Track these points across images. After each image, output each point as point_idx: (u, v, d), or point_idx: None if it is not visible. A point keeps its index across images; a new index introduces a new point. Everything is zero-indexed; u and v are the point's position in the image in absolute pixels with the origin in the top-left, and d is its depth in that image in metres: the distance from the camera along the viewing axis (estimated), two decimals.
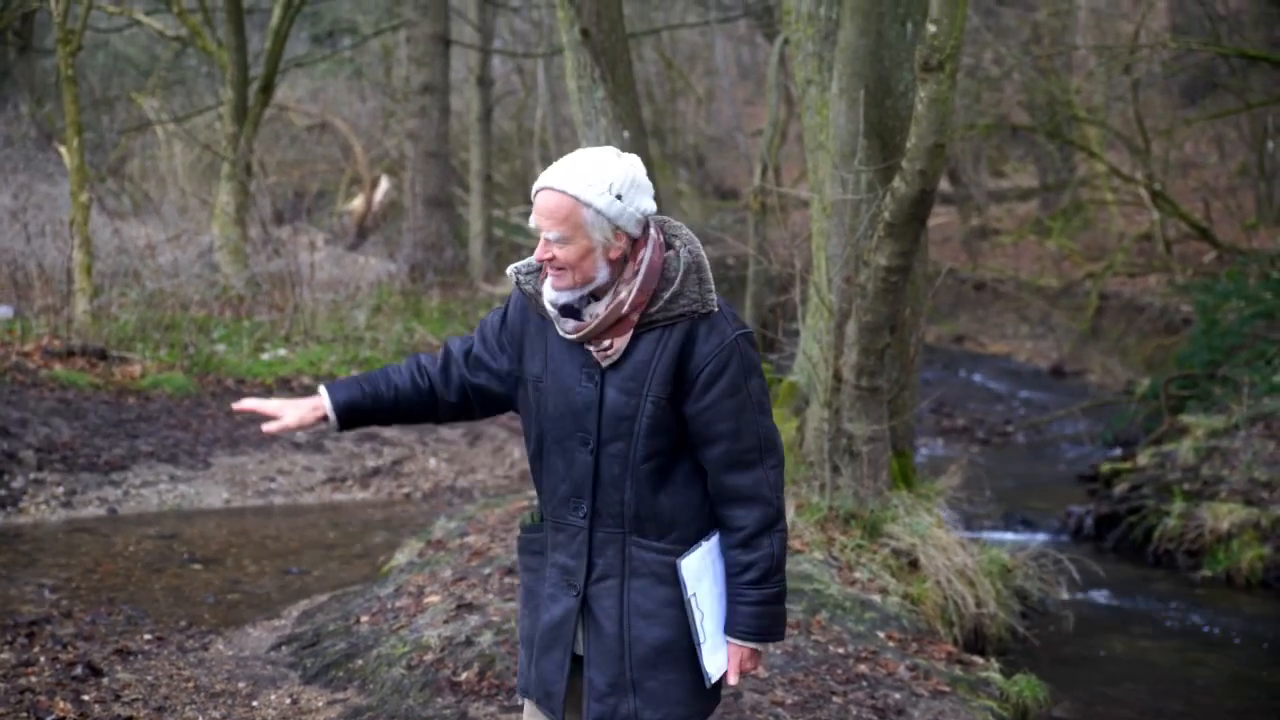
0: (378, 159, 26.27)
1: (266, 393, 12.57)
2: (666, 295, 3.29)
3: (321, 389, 3.57)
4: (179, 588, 7.60)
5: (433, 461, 11.50)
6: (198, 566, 8.08)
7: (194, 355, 13.05)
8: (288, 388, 12.80)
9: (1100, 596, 8.78)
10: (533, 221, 3.28)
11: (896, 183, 6.94)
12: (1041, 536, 10.20)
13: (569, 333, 3.31)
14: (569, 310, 3.33)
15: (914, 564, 7.38)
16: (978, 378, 19.03)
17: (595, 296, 3.32)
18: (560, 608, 3.39)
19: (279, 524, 9.41)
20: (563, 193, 3.23)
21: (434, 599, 6.75)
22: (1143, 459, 11.47)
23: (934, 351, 19.35)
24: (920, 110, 6.68)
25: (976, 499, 8.87)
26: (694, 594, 3.38)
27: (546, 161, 26.48)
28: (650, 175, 3.40)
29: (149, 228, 17.13)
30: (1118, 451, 13.08)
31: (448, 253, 20.67)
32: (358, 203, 24.42)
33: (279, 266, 15.73)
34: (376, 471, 11.01)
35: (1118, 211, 22.45)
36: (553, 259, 3.26)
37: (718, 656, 3.43)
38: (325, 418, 3.56)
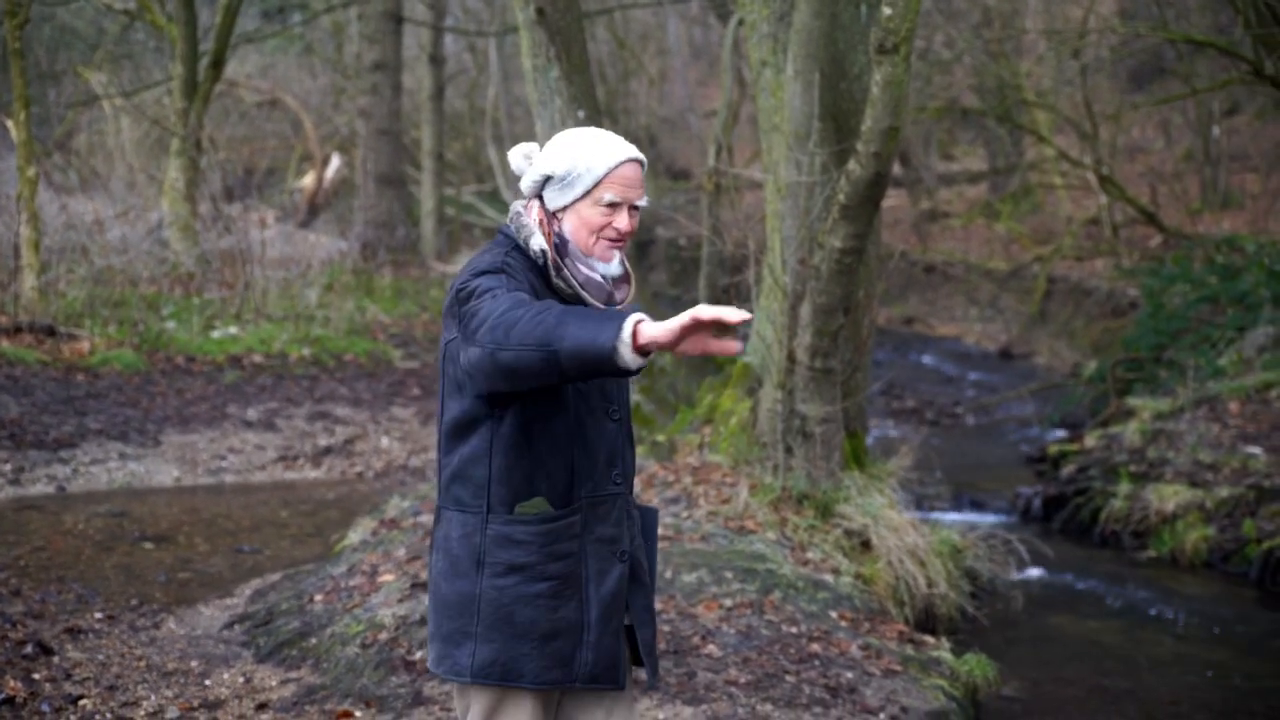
0: (329, 136, 26.11)
1: (217, 370, 12.50)
2: None
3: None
4: (130, 566, 7.56)
5: (385, 440, 11.47)
6: (149, 545, 8.04)
7: (143, 332, 12.95)
8: (238, 365, 12.72)
9: (1048, 577, 8.88)
10: (619, 194, 3.29)
11: (851, 165, 6.98)
12: (991, 517, 10.30)
13: (617, 303, 3.35)
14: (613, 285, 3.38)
15: (866, 544, 7.44)
16: (927, 360, 19.16)
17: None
18: (613, 579, 3.39)
19: (230, 502, 9.36)
20: (642, 164, 3.35)
21: (388, 578, 6.75)
22: (1090, 441, 11.60)
23: (884, 333, 19.45)
24: (875, 93, 6.72)
25: (927, 480, 8.96)
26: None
27: (499, 140, 26.41)
28: None
29: (97, 203, 16.95)
30: (1065, 433, 13.22)
31: (399, 231, 20.59)
32: (309, 180, 24.27)
33: (229, 244, 15.63)
34: (329, 450, 10.97)
35: (1066, 195, 22.64)
36: (632, 229, 3.35)
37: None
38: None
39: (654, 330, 2.85)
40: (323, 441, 11.13)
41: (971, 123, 26.06)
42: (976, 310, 21.59)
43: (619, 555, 3.40)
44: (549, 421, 3.31)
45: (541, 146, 3.45)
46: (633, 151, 3.33)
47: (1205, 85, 16.88)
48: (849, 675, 5.86)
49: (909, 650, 6.40)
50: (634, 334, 2.86)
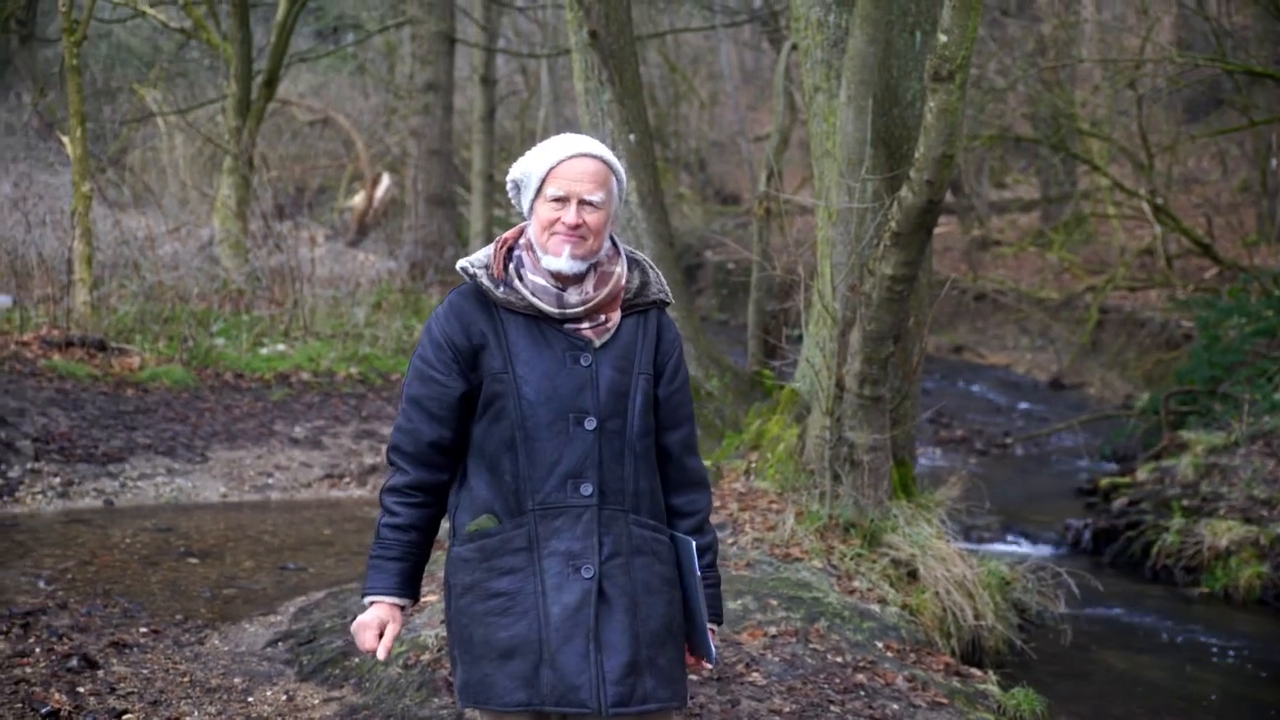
0: (380, 156, 26.27)
1: (265, 387, 12.55)
2: (638, 281, 3.51)
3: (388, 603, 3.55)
4: (175, 581, 7.57)
5: None
6: (194, 560, 8.06)
7: (193, 348, 13.03)
8: (286, 383, 12.77)
9: (1098, 611, 8.76)
10: (563, 188, 3.37)
11: (904, 192, 6.92)
12: (1040, 549, 10.19)
13: (573, 305, 3.38)
14: (563, 284, 3.41)
15: (913, 574, 7.36)
16: (977, 388, 19.01)
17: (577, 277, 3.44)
18: (573, 594, 3.32)
19: (276, 519, 9.38)
20: (600, 159, 3.40)
21: (431, 599, 6.72)
22: (1142, 474, 11.46)
23: (933, 361, 19.34)
24: (929, 120, 6.67)
25: (975, 510, 8.86)
26: (698, 575, 3.51)
27: None
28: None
29: (149, 219, 17.11)
30: (1116, 466, 13.07)
31: (449, 251, 20.65)
32: (359, 199, 24.40)
33: (279, 261, 15.72)
34: (374, 469, 10.98)
35: (1119, 225, 22.45)
36: (582, 224, 3.37)
37: (709, 638, 3.56)
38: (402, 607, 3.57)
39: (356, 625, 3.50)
40: (368, 460, 11.14)
41: (1025, 151, 25.90)
42: (1027, 339, 21.42)
43: (581, 571, 3.33)
44: (492, 433, 3.41)
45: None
46: (580, 146, 3.40)
47: (1263, 117, 16.72)
48: (894, 707, 5.79)
49: (955, 683, 6.31)
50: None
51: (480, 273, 3.42)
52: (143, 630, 6.55)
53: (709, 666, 3.68)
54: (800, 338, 8.65)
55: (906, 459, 8.30)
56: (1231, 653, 8.14)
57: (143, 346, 12.72)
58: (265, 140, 22.09)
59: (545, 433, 3.35)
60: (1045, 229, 23.63)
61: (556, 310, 3.38)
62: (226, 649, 6.46)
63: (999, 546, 10.06)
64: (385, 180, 24.41)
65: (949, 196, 23.38)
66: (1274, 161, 20.66)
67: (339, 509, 9.92)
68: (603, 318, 3.42)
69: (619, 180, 3.46)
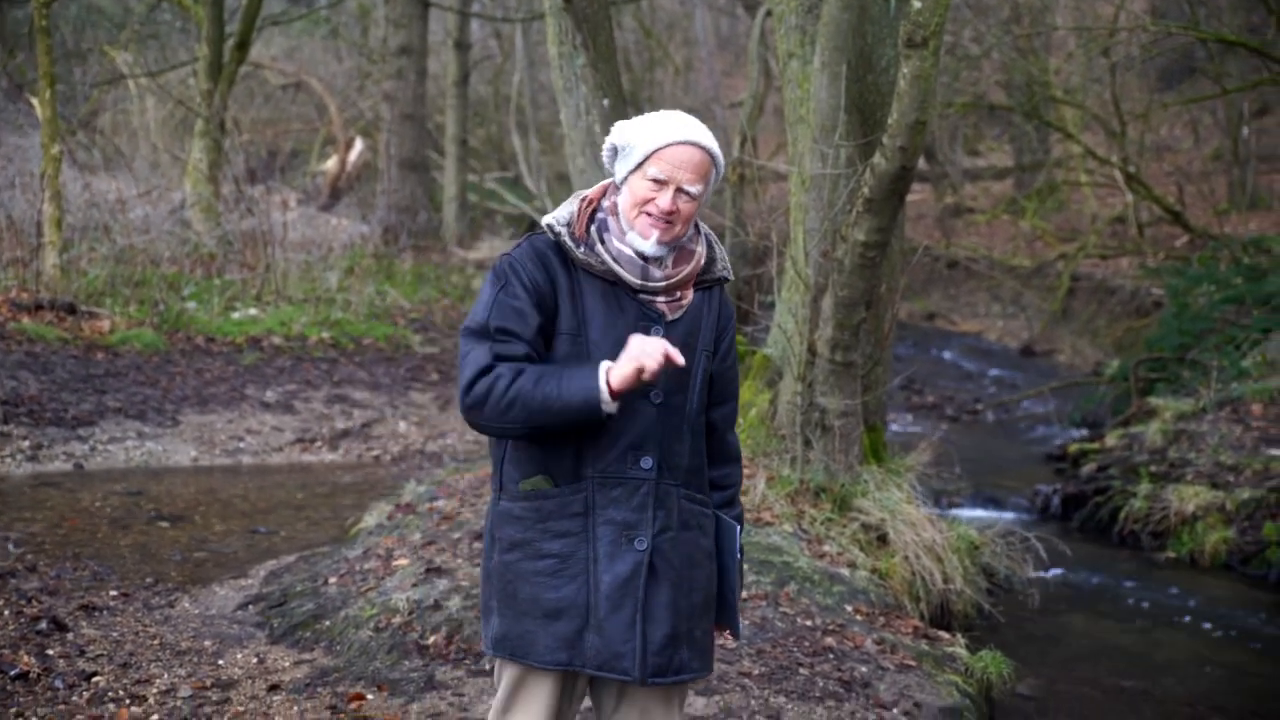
0: (353, 120, 26.12)
1: (236, 351, 12.51)
2: (706, 257, 3.49)
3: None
4: (145, 545, 7.56)
5: (402, 425, 11.47)
6: (164, 524, 8.04)
7: (164, 312, 12.97)
8: (257, 347, 12.73)
9: (1066, 575, 8.83)
10: (664, 172, 3.32)
11: (877, 158, 6.93)
12: (1009, 514, 10.25)
13: (655, 279, 3.37)
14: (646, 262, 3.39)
15: (883, 539, 7.40)
16: (948, 355, 19.09)
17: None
18: (626, 564, 3.33)
19: (247, 483, 9.37)
20: (707, 150, 3.37)
21: (402, 562, 6.74)
22: (1111, 440, 11.54)
23: (905, 328, 19.39)
24: (903, 86, 6.66)
25: (946, 476, 8.91)
26: (739, 557, 3.58)
27: (523, 128, 26.38)
28: None
29: (120, 182, 16.97)
30: (1085, 432, 13.15)
31: (421, 216, 20.59)
32: (332, 163, 24.27)
33: (251, 225, 15.64)
34: (346, 433, 10.97)
35: (1092, 193, 22.52)
36: (675, 211, 3.34)
37: (739, 614, 3.64)
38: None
39: (619, 379, 3.18)
40: (340, 425, 11.13)
41: (998, 118, 25.93)
42: (999, 307, 21.50)
43: (635, 543, 3.34)
44: None
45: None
46: (690, 134, 3.34)
47: (1236, 85, 16.78)
48: (863, 669, 5.83)
49: (924, 646, 6.36)
50: (608, 384, 3.19)
51: (564, 231, 3.38)
52: (112, 593, 6.54)
53: (735, 640, 3.70)
54: (773, 303, 8.66)
55: (878, 424, 8.33)
56: (1196, 617, 8.22)
57: (113, 310, 12.66)
58: (237, 103, 21.94)
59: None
60: (1018, 196, 23.69)
61: (638, 282, 3.36)
62: (197, 612, 6.46)
63: (968, 512, 10.12)
64: (358, 144, 24.28)
65: (922, 164, 23.43)
66: (1245, 130, 20.74)
67: (310, 473, 9.91)
68: (679, 294, 3.42)
69: (718, 172, 3.43)
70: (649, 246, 3.34)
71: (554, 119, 24.14)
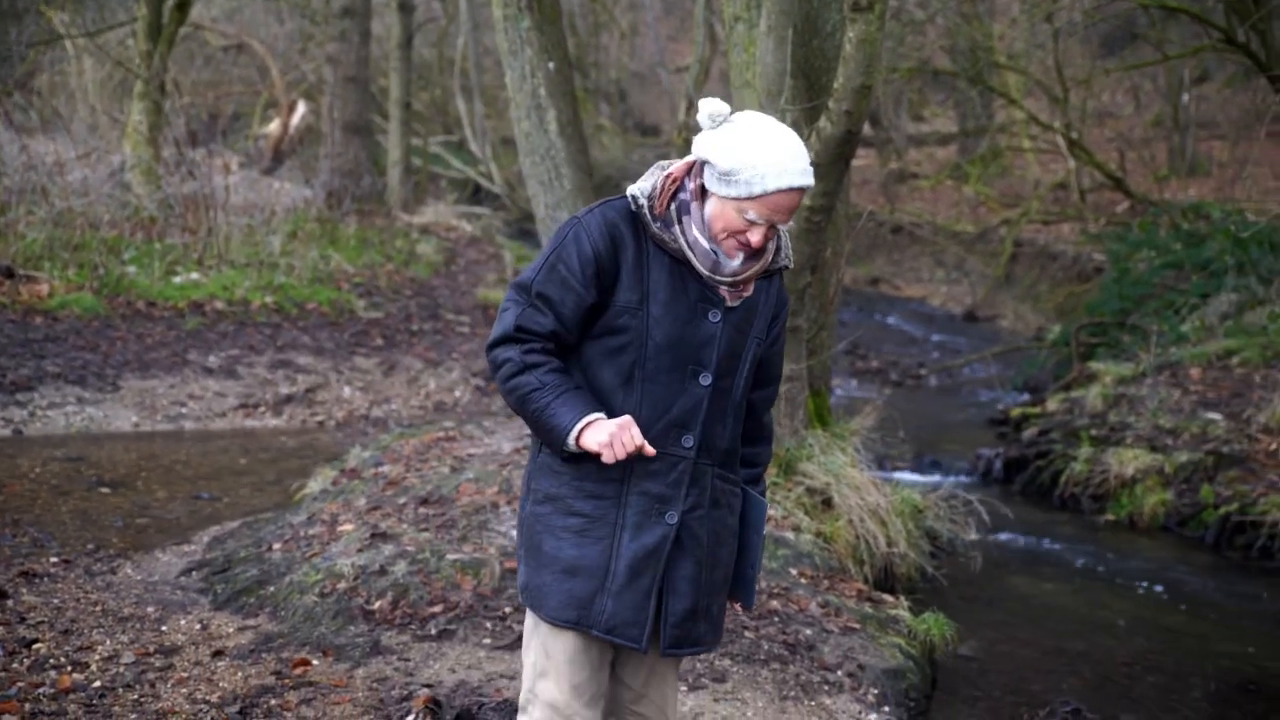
0: (295, 83, 25.85)
1: (178, 316, 12.39)
2: (775, 249, 3.46)
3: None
4: (86, 511, 7.49)
5: (347, 390, 11.41)
6: (105, 490, 7.97)
7: (104, 276, 12.81)
8: (199, 312, 12.62)
9: (1007, 538, 8.92)
10: (763, 216, 3.25)
11: (822, 122, 6.93)
12: (952, 478, 10.34)
13: (725, 274, 3.33)
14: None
15: (827, 502, 7.44)
16: (892, 320, 19.19)
17: None
18: (653, 536, 3.37)
19: (189, 449, 9.30)
20: (803, 190, 3.26)
21: (348, 527, 6.72)
22: (1052, 404, 11.65)
23: (850, 293, 19.48)
24: (848, 50, 6.67)
25: (890, 440, 8.97)
26: (763, 534, 3.63)
27: (467, 91, 26.19)
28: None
29: (58, 145, 16.71)
30: (1027, 396, 13.27)
31: (365, 180, 20.43)
32: (274, 126, 24.03)
33: (192, 189, 15.45)
34: (290, 399, 10.90)
35: (1034, 159, 22.66)
36: (765, 241, 3.32)
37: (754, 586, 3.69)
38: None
39: (590, 442, 3.25)
40: (284, 390, 11.06)
41: (942, 84, 26.00)
42: (943, 272, 21.62)
43: (665, 517, 3.38)
44: (609, 363, 3.36)
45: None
46: (800, 179, 3.23)
47: (1176, 52, 16.89)
48: (807, 632, 5.88)
49: (867, 608, 6.42)
50: (579, 435, 3.26)
51: (645, 203, 3.34)
52: (53, 560, 6.48)
53: (746, 612, 3.75)
54: None
55: (822, 389, 8.37)
56: (1135, 578, 8.33)
57: (51, 274, 12.49)
58: (177, 65, 21.66)
59: (663, 378, 3.34)
60: (962, 162, 23.80)
61: (708, 273, 3.34)
62: (139, 578, 6.41)
63: (912, 475, 10.19)
64: (301, 107, 24.04)
65: (867, 129, 23.47)
66: (1186, 96, 20.93)
67: (254, 439, 9.85)
68: (743, 286, 3.41)
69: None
70: (735, 264, 3.33)
71: (499, 82, 24.00)
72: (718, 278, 3.33)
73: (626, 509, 3.37)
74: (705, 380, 3.37)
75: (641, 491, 3.36)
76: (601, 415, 3.28)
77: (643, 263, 3.34)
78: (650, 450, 3.27)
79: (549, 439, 3.33)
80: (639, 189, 3.36)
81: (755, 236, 3.28)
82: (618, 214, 3.36)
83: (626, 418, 3.26)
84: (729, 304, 3.38)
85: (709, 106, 3.31)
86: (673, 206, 3.34)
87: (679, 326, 3.32)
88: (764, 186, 3.21)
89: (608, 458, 3.23)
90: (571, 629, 3.40)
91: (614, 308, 3.33)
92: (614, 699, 3.60)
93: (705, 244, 3.31)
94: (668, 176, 3.37)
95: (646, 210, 3.33)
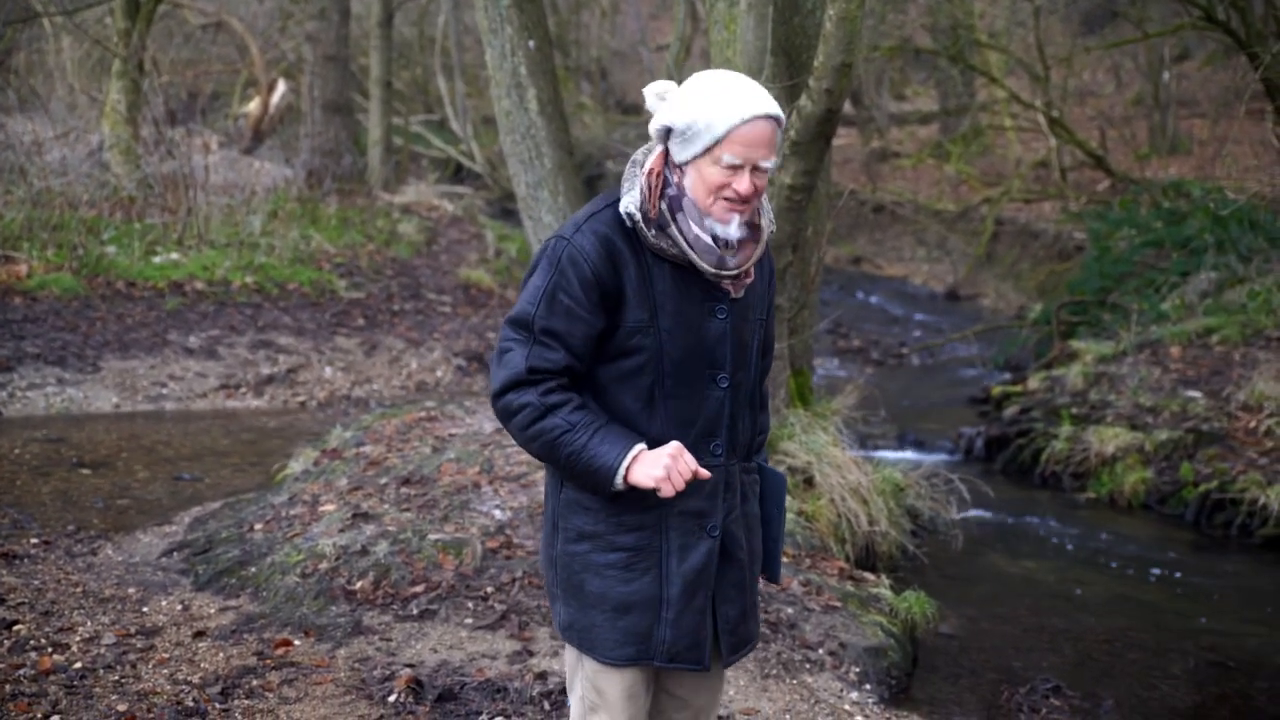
0: (275, 61, 25.71)
1: (158, 296, 12.34)
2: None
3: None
4: (67, 492, 7.47)
5: (328, 371, 11.38)
6: (86, 471, 7.94)
7: (83, 256, 12.75)
8: (180, 292, 12.57)
9: (989, 516, 8.95)
10: (740, 155, 3.09)
11: (803, 101, 6.92)
12: (933, 457, 10.36)
13: (730, 268, 3.18)
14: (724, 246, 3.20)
15: (809, 481, 7.45)
16: (874, 299, 19.21)
17: None
18: (700, 554, 3.23)
19: (170, 430, 9.27)
20: (777, 120, 3.12)
21: (329, 508, 6.71)
22: (1033, 383, 11.68)
23: (832, 272, 19.48)
24: (829, 28, 6.65)
25: (871, 419, 8.97)
26: (784, 508, 3.49)
27: (448, 70, 26.11)
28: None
29: (36, 124, 16.63)
30: (1009, 375, 13.30)
31: (346, 159, 20.35)
32: (254, 106, 23.89)
33: (172, 168, 15.37)
34: (271, 379, 10.87)
35: (1016, 137, 22.67)
36: (754, 191, 3.13)
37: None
38: None
39: (642, 478, 3.07)
40: (265, 370, 11.03)
41: (924, 62, 26.01)
42: (924, 251, 21.64)
43: (708, 530, 3.24)
44: (626, 385, 3.21)
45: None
46: (761, 108, 3.08)
47: (1157, 30, 16.90)
48: (789, 611, 5.89)
49: (849, 587, 6.43)
50: (626, 471, 3.09)
51: (639, 217, 3.14)
52: (33, 541, 6.46)
53: (774, 584, 3.65)
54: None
55: (804, 368, 8.37)
56: (1115, 556, 8.37)
57: (30, 254, 12.43)
58: (156, 44, 21.49)
59: (684, 390, 3.20)
60: (943, 141, 23.81)
61: (713, 271, 3.17)
62: (120, 559, 6.40)
63: (894, 454, 10.21)
64: (281, 86, 23.91)
65: (848, 107, 23.46)
66: (1166, 75, 20.95)
67: (235, 419, 9.82)
68: (745, 275, 3.27)
69: (781, 131, 3.17)
70: (734, 231, 3.16)
71: (479, 61, 23.93)
72: (722, 274, 3.18)
73: (669, 533, 3.22)
74: (724, 382, 3.23)
75: (681, 512, 3.22)
76: (644, 446, 3.11)
77: (646, 276, 3.16)
78: (705, 474, 3.11)
79: (592, 482, 3.12)
80: (630, 204, 3.15)
81: (741, 184, 3.10)
82: (609, 227, 3.16)
83: (675, 445, 3.09)
84: (734, 295, 3.24)
85: (654, 88, 3.19)
86: (663, 205, 3.17)
87: (691, 334, 3.17)
88: (728, 122, 3.06)
89: (666, 492, 3.07)
90: (630, 665, 3.27)
91: (624, 329, 3.16)
92: (657, 708, 3.48)
93: (706, 239, 3.15)
94: (650, 174, 3.19)
95: (641, 222, 3.15)
